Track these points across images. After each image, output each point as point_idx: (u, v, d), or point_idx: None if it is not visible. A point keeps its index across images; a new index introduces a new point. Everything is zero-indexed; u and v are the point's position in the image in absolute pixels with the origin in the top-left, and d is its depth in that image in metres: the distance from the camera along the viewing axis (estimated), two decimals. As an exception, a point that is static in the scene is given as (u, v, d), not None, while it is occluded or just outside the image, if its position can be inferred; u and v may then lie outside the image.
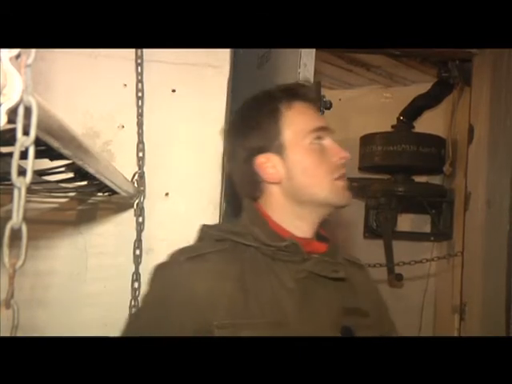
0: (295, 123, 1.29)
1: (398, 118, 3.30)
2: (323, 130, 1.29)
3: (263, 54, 1.88)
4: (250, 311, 1.20)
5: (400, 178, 3.31)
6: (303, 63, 1.60)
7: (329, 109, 1.76)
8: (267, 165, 1.27)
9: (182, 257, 1.24)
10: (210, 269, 1.23)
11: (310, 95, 1.39)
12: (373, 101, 3.61)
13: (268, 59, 1.84)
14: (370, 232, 3.44)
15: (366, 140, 3.33)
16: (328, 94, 1.85)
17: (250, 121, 1.34)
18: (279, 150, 1.28)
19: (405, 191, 3.22)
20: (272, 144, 1.28)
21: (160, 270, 1.29)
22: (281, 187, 1.29)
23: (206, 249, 1.26)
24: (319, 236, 1.33)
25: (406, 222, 3.49)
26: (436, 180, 3.48)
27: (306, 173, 1.28)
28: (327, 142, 1.30)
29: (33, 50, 0.68)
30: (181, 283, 1.24)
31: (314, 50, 1.65)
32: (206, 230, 1.34)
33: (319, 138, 1.28)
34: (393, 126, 3.31)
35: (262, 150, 1.28)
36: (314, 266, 1.25)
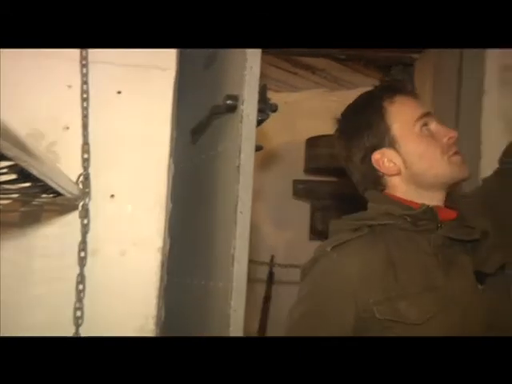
0: (400, 116, 1.36)
1: (336, 120, 3.45)
2: (427, 116, 1.36)
3: (209, 56, 1.83)
4: (401, 283, 1.26)
5: (344, 181, 3.32)
6: (249, 66, 1.54)
7: (274, 111, 1.72)
8: (384, 159, 1.34)
9: (327, 247, 1.31)
10: (356, 253, 1.30)
11: (407, 88, 1.46)
12: (318, 104, 3.62)
13: (214, 61, 1.79)
14: (316, 233, 3.45)
15: (312, 143, 3.37)
16: (274, 97, 1.80)
17: (359, 123, 1.40)
18: (392, 144, 1.34)
19: (349, 193, 3.23)
20: (384, 140, 1.35)
21: (310, 264, 1.35)
22: (401, 177, 1.36)
23: (346, 238, 1.32)
24: (448, 205, 1.40)
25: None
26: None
27: (422, 159, 1.34)
28: (434, 125, 1.36)
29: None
30: (333, 271, 1.31)
31: (259, 52, 1.60)
32: (338, 224, 1.43)
33: (425, 124, 1.35)
34: (336, 130, 3.44)
35: (376, 148, 1.35)
36: (449, 231, 1.31)
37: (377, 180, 1.39)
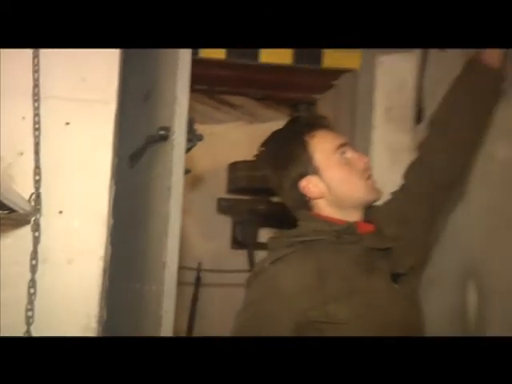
0: (321, 147, 1.48)
1: (259, 149, 3.59)
2: (344, 145, 1.48)
3: (146, 92, 1.93)
4: (330, 289, 1.36)
5: (260, 199, 3.56)
6: (179, 102, 1.67)
7: (200, 140, 1.85)
8: (309, 186, 1.46)
9: (266, 264, 1.42)
10: (290, 266, 1.39)
11: (324, 122, 1.58)
12: (238, 135, 3.84)
13: (149, 97, 1.90)
14: (237, 243, 3.67)
15: (233, 167, 3.59)
16: (200, 129, 1.92)
17: (285, 156, 1.52)
18: (316, 172, 1.46)
19: (264, 210, 3.48)
20: (308, 169, 1.46)
21: (253, 278, 1.47)
22: (326, 199, 1.47)
23: (281, 253, 1.42)
24: (367, 219, 1.50)
25: (266, 234, 3.60)
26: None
27: (343, 183, 1.46)
28: (350, 153, 1.48)
29: None
30: (271, 283, 1.41)
31: (188, 90, 1.73)
32: (275, 242, 1.53)
33: (343, 152, 1.47)
34: (255, 156, 3.61)
35: (302, 176, 1.46)
36: (368, 242, 1.44)
37: (305, 203, 1.49)
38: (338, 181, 1.46)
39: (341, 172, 1.46)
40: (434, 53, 2.26)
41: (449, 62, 2.12)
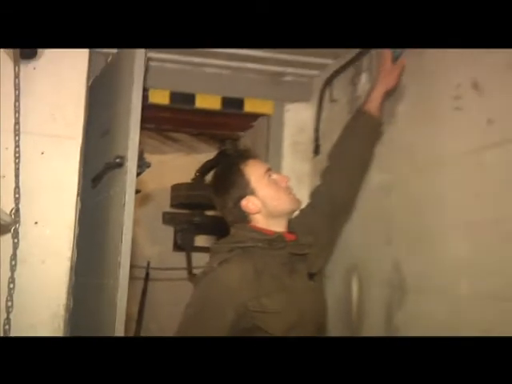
0: (254, 172, 1.52)
1: (195, 174, 3.62)
2: (269, 170, 1.54)
3: (105, 129, 1.96)
4: (263, 285, 1.41)
5: (196, 212, 3.66)
6: (131, 137, 1.70)
7: (149, 167, 1.87)
8: (249, 204, 1.49)
9: (214, 264, 1.44)
10: (233, 266, 1.42)
11: (252, 154, 1.61)
12: (178, 162, 3.92)
13: (108, 132, 1.94)
14: (177, 247, 3.77)
15: (175, 188, 3.67)
16: (149, 157, 1.92)
17: (226, 183, 1.54)
18: (253, 192, 1.50)
19: (199, 221, 3.60)
20: (247, 190, 1.50)
21: (202, 276, 1.48)
22: (261, 214, 1.51)
23: (226, 257, 1.44)
24: (290, 230, 1.54)
25: (202, 240, 3.80)
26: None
27: (273, 199, 1.51)
28: (274, 175, 1.54)
29: None
30: (218, 280, 1.43)
31: (139, 128, 1.73)
32: (217, 247, 1.56)
33: (269, 175, 1.52)
34: (192, 179, 3.63)
35: (242, 196, 1.50)
36: (292, 249, 1.49)
37: (245, 217, 1.53)
38: (270, 197, 1.51)
39: (271, 190, 1.52)
40: (326, 103, 2.38)
41: (337, 110, 2.29)
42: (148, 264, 3.84)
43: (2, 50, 1.75)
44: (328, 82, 2.33)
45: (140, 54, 1.75)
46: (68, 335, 1.88)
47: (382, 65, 1.76)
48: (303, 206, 1.70)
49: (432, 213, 1.64)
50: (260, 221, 1.52)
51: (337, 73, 2.25)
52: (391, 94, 1.78)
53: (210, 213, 3.66)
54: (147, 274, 3.83)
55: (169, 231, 3.89)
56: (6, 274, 1.71)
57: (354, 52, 2.10)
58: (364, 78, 2.07)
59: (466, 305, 1.46)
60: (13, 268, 1.73)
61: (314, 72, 2.43)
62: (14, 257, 1.73)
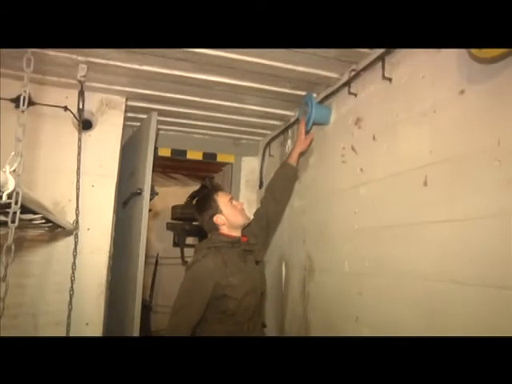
0: (222, 200, 1.51)
1: (187, 199, 3.70)
2: (232, 198, 1.52)
3: (131, 172, 2.07)
4: (229, 270, 1.41)
5: (187, 223, 3.67)
6: (146, 177, 1.84)
7: (157, 195, 2.16)
8: (218, 219, 1.49)
9: (199, 257, 1.42)
10: (211, 258, 1.41)
11: (221, 187, 1.62)
12: (177, 191, 4.04)
13: (133, 174, 2.05)
14: (175, 244, 3.90)
15: (174, 208, 3.75)
16: (158, 189, 2.22)
17: (205, 206, 1.51)
18: (221, 212, 1.49)
19: (189, 228, 3.65)
20: (217, 211, 1.50)
21: (191, 264, 1.44)
22: (226, 225, 1.51)
23: (205, 252, 1.43)
24: (244, 235, 1.53)
25: (190, 240, 3.83)
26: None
27: (233, 217, 1.50)
28: (234, 202, 1.53)
29: (21, 165, 0.71)
30: (202, 267, 1.40)
31: (151, 171, 1.83)
32: (199, 247, 1.51)
33: (231, 202, 1.51)
34: (184, 202, 3.69)
35: (214, 214, 1.49)
36: (245, 247, 1.49)
37: (216, 227, 1.51)
38: (231, 215, 1.51)
39: (232, 211, 1.51)
40: (266, 157, 2.51)
41: (273, 161, 2.43)
42: (157, 255, 4.01)
43: (71, 123, 1.88)
44: (268, 144, 2.53)
45: (153, 125, 1.94)
46: (107, 298, 1.95)
47: (299, 135, 1.80)
48: (251, 220, 1.69)
49: (328, 224, 1.72)
50: (225, 230, 1.51)
51: (273, 139, 2.47)
52: (305, 153, 1.88)
53: (195, 223, 3.72)
54: (156, 261, 3.99)
55: (170, 234, 4.00)
56: (70, 260, 1.84)
57: (283, 126, 2.26)
58: (289, 143, 2.22)
59: (347, 278, 1.54)
60: (74, 257, 1.85)
61: (260, 138, 2.66)
62: (75, 250, 1.85)
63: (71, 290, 1.82)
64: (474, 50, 0.97)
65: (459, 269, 1.03)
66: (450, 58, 1.13)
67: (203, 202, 1.53)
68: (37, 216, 1.14)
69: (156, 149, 2.31)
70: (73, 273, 1.83)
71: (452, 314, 1.04)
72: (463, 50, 1.05)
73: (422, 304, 1.15)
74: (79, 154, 1.89)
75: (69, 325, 1.76)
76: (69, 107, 1.89)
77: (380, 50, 1.42)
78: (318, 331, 1.74)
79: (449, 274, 1.06)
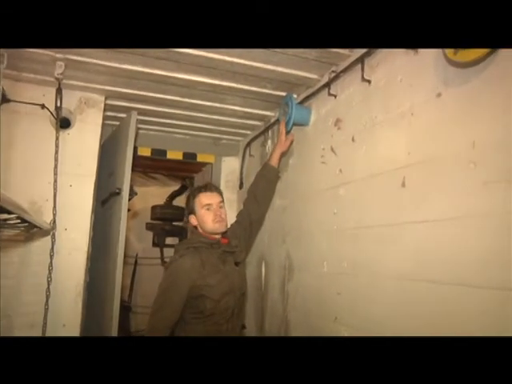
0: (197, 203, 1.51)
1: (166, 199, 3.73)
2: (209, 204, 1.49)
3: (111, 171, 2.04)
4: (207, 270, 1.41)
5: (167, 223, 3.71)
6: (126, 176, 1.82)
7: (136, 194, 2.15)
8: (192, 219, 1.51)
9: (177, 256, 1.43)
10: (188, 258, 1.41)
11: (209, 188, 1.53)
12: (156, 191, 4.00)
13: (112, 173, 2.04)
14: (155, 244, 3.89)
15: (154, 208, 3.80)
16: (137, 189, 2.23)
17: (187, 202, 1.53)
18: (194, 213, 1.51)
19: (168, 228, 3.64)
20: (193, 211, 1.51)
21: (169, 264, 1.44)
22: (199, 227, 1.52)
23: (183, 252, 1.43)
24: (225, 236, 1.53)
25: (170, 240, 3.80)
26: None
27: (202, 222, 1.50)
28: (212, 208, 1.49)
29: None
30: (179, 266, 1.40)
31: (130, 170, 1.84)
32: (178, 247, 1.51)
33: (207, 208, 1.49)
34: (164, 202, 3.71)
35: (189, 213, 1.52)
36: (225, 248, 1.49)
37: (195, 228, 1.54)
38: (201, 220, 1.51)
39: (203, 217, 1.51)
40: (247, 157, 2.48)
41: (253, 162, 2.40)
42: (136, 255, 3.99)
43: (48, 121, 1.85)
44: (248, 145, 2.51)
45: (132, 125, 1.92)
46: (85, 299, 1.92)
47: (279, 136, 1.80)
48: (233, 221, 1.71)
49: (307, 224, 1.71)
50: (202, 231, 1.52)
51: (253, 139, 2.45)
52: (285, 154, 1.87)
53: (175, 223, 3.74)
54: (136, 261, 3.97)
55: (149, 234, 4.00)
56: (47, 260, 1.81)
57: (263, 127, 2.25)
58: (269, 143, 2.20)
59: (326, 277, 1.54)
60: (51, 257, 1.81)
61: (240, 138, 2.64)
62: (52, 250, 1.82)
63: (47, 290, 1.79)
64: (450, 55, 0.98)
65: (435, 268, 1.04)
66: (427, 62, 1.14)
67: (187, 198, 1.54)
68: (12, 216, 1.12)
69: (136, 148, 2.27)
70: (49, 273, 1.79)
71: (429, 313, 1.04)
72: (440, 54, 1.06)
73: (399, 304, 1.15)
74: (57, 152, 1.85)
75: (45, 325, 1.73)
76: (46, 105, 1.85)
77: (360, 52, 1.43)
78: (297, 331, 1.73)
79: (425, 274, 1.07)
